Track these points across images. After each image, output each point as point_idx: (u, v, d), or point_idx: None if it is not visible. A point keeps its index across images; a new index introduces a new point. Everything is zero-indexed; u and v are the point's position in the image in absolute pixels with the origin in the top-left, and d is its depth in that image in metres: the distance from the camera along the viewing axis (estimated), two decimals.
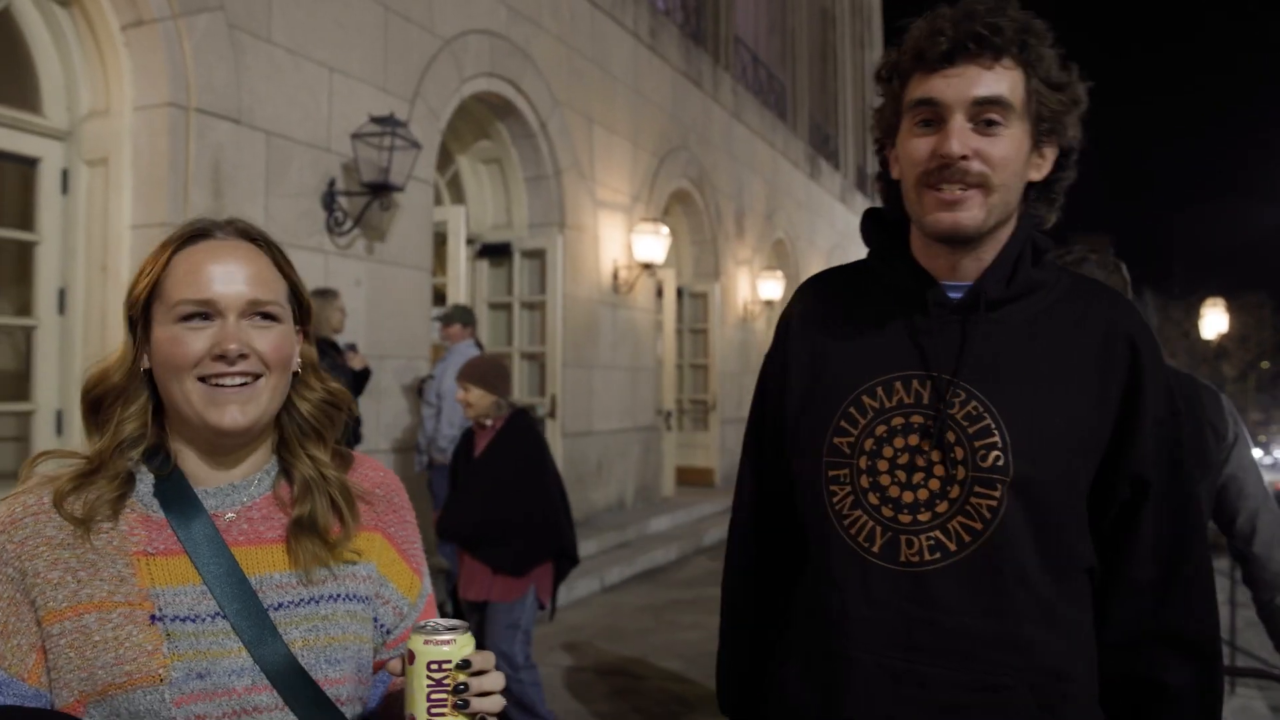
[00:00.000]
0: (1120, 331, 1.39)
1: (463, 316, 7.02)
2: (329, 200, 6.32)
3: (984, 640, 1.32)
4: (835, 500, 1.42)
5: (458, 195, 9.35)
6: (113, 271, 5.28)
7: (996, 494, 1.33)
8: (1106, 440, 1.36)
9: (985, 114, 1.33)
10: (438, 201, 8.38)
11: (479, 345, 7.04)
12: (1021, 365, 1.38)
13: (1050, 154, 1.42)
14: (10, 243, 5.27)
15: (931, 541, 1.35)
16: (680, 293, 12.96)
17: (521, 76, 8.58)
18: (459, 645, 1.17)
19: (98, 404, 1.27)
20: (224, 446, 1.28)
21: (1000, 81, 1.33)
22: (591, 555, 8.73)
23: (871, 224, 1.55)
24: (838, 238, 19.54)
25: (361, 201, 6.44)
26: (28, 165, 5.31)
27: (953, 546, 1.34)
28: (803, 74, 18.10)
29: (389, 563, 1.37)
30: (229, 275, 1.24)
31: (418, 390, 7.12)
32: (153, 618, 1.17)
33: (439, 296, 8.25)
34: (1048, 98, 1.37)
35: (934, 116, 1.36)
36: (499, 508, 4.25)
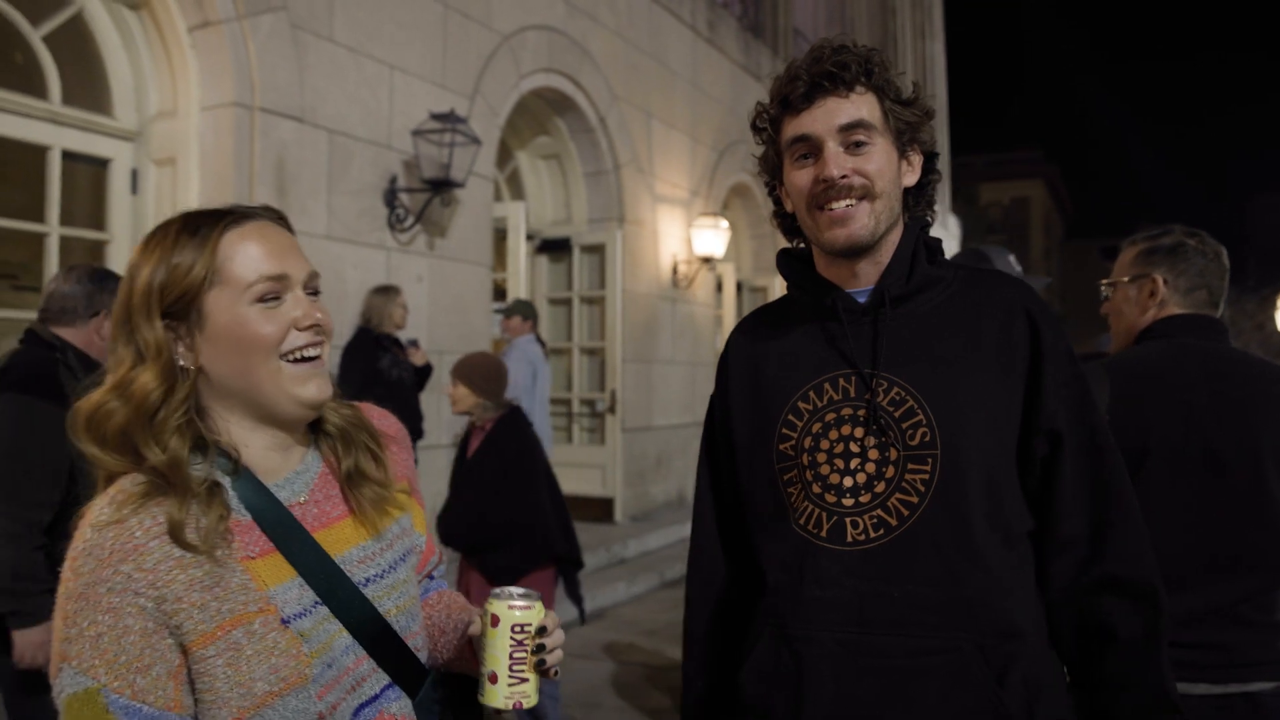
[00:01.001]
0: (1019, 309, 1.52)
1: (524, 310, 7.04)
2: (390, 197, 6.37)
3: (931, 607, 1.42)
4: (792, 500, 1.53)
5: (517, 191, 9.39)
6: None
7: (927, 468, 1.45)
8: (1020, 406, 1.49)
9: (852, 137, 1.50)
10: (497, 197, 8.42)
11: (540, 340, 7.06)
12: (934, 350, 1.51)
13: (917, 160, 1.60)
14: (82, 242, 5.39)
15: (874, 519, 1.46)
16: (740, 287, 12.88)
17: (579, 71, 8.58)
18: (537, 611, 1.33)
19: (138, 420, 1.19)
20: (300, 423, 1.31)
21: (858, 107, 1.51)
22: (651, 550, 8.72)
23: (784, 260, 1.71)
24: None
25: (422, 198, 6.48)
26: (99, 166, 5.44)
27: (894, 522, 1.45)
28: None
29: (415, 508, 1.47)
30: (285, 250, 1.26)
31: None
32: (283, 620, 1.19)
33: (499, 292, 8.29)
34: (901, 113, 1.55)
35: (809, 150, 1.53)
36: (488, 513, 4.11)
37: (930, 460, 1.45)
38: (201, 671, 1.15)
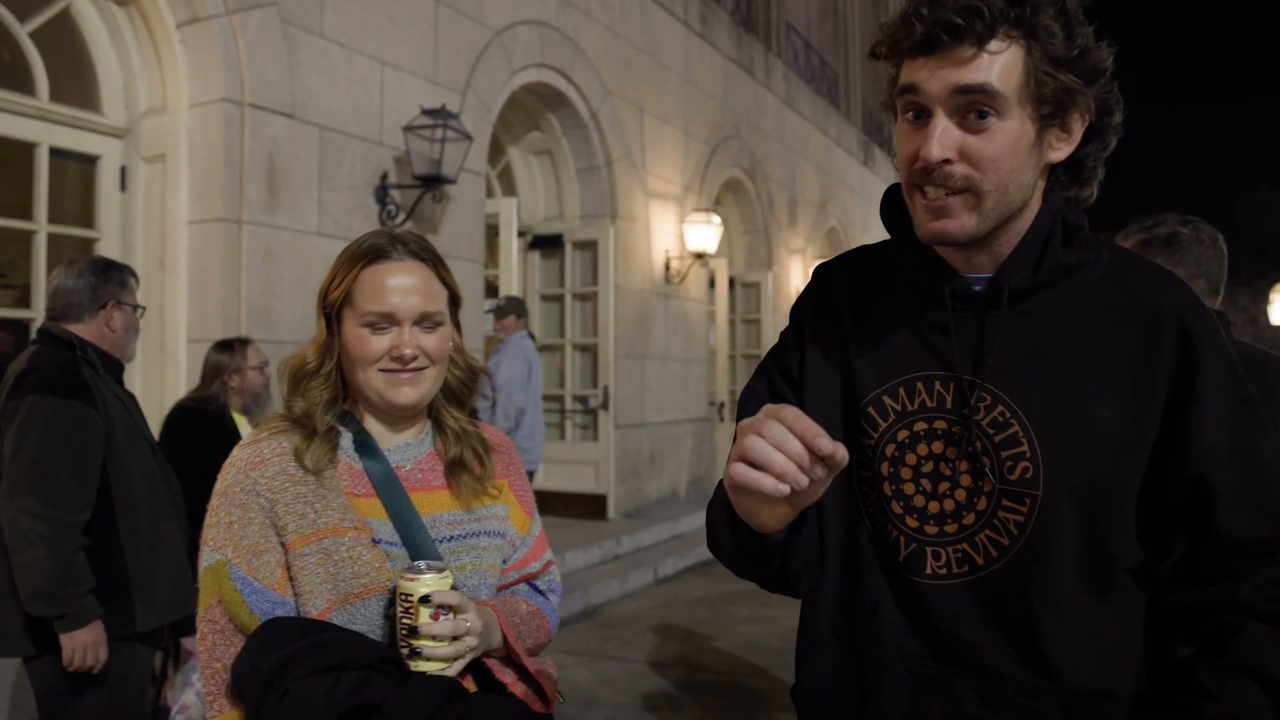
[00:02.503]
0: (1168, 314, 1.22)
1: (516, 308, 7.02)
2: (381, 193, 6.34)
3: (1011, 659, 1.23)
4: (866, 506, 1.34)
5: (509, 187, 9.36)
6: (170, 266, 5.34)
7: (1024, 509, 1.22)
8: (1154, 441, 1.20)
9: (973, 105, 1.18)
10: (489, 193, 8.39)
11: (532, 337, 7.04)
12: (1052, 362, 1.24)
13: (1077, 128, 1.25)
14: (72, 239, 5.35)
15: (959, 554, 1.26)
16: (733, 283, 12.87)
17: (571, 67, 8.55)
18: (421, 583, 1.42)
19: (297, 379, 1.60)
20: (397, 417, 1.63)
21: (988, 67, 1.16)
22: (645, 547, 8.71)
23: (891, 210, 1.38)
24: None
25: (414, 194, 6.46)
26: (88, 163, 5.40)
27: (980, 560, 1.25)
28: (855, 60, 17.87)
29: (512, 505, 1.74)
30: (405, 290, 1.56)
31: None
32: (374, 540, 1.51)
33: (491, 288, 8.27)
34: (1052, 76, 1.18)
35: (919, 108, 1.22)
36: None
37: (1029, 501, 1.22)
38: (299, 566, 1.48)
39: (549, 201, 9.52)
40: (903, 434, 1.30)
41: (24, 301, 5.23)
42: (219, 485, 1.54)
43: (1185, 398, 1.19)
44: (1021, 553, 1.22)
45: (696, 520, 9.91)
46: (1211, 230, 2.35)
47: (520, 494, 1.77)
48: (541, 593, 1.80)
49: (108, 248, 5.33)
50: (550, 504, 8.98)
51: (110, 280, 2.98)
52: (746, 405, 1.48)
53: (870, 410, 1.33)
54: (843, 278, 1.45)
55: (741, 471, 1.05)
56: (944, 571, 1.27)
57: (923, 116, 1.22)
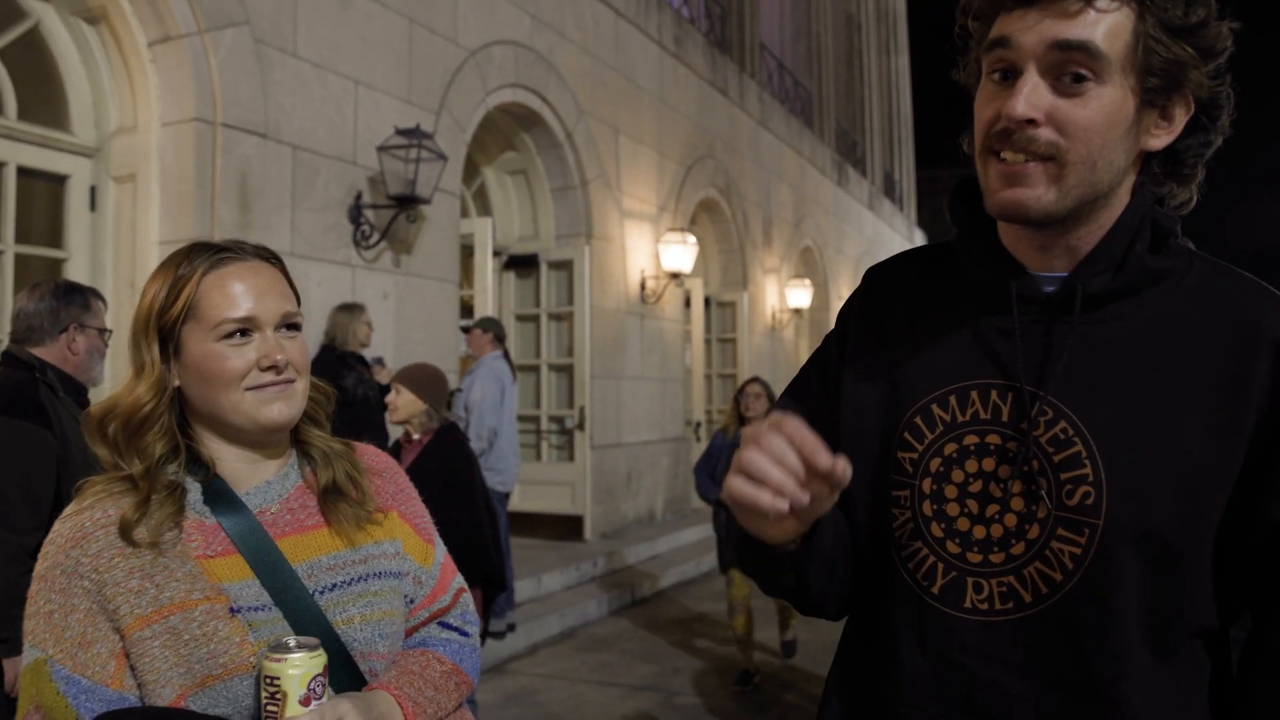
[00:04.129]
0: (1266, 336, 1.07)
1: (491, 328, 6.98)
2: (355, 213, 6.30)
3: (1055, 712, 1.09)
4: (895, 525, 1.19)
5: (484, 207, 9.34)
6: (141, 287, 5.27)
7: (1082, 540, 1.07)
8: (1235, 477, 1.05)
9: (1069, 65, 1.03)
10: (464, 213, 8.37)
11: (507, 357, 7.00)
12: (1127, 378, 1.09)
13: (1180, 114, 1.10)
14: (39, 260, 5.27)
15: (1004, 588, 1.11)
16: (708, 302, 12.89)
17: (546, 87, 8.56)
18: (288, 664, 1.22)
19: (131, 430, 1.33)
20: (269, 442, 1.40)
21: (1095, 24, 1.02)
22: (622, 568, 8.66)
23: (957, 198, 1.24)
24: (866, 244, 19.41)
25: (388, 214, 6.42)
26: (57, 183, 5.32)
27: (1028, 597, 1.10)
28: (829, 81, 18.01)
29: (406, 537, 1.51)
30: (261, 291, 1.36)
31: (446, 403, 7.08)
32: (232, 610, 1.28)
33: (466, 309, 8.23)
34: (1164, 45, 1.04)
35: (1006, 65, 1.07)
36: None
37: (1088, 531, 1.07)
38: (140, 653, 1.24)
39: (524, 221, 9.51)
40: (950, 448, 1.16)
41: None
42: (38, 568, 1.32)
43: (1276, 434, 1.05)
44: (1076, 591, 1.08)
45: (673, 541, 9.88)
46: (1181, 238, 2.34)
47: (415, 520, 1.54)
48: (456, 629, 1.57)
49: (77, 268, 5.26)
50: (526, 525, 8.93)
51: (72, 303, 2.96)
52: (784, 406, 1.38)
53: (917, 420, 1.19)
54: (894, 279, 1.32)
55: (738, 487, 0.99)
56: (985, 606, 1.12)
57: (1010, 77, 1.07)
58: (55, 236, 5.33)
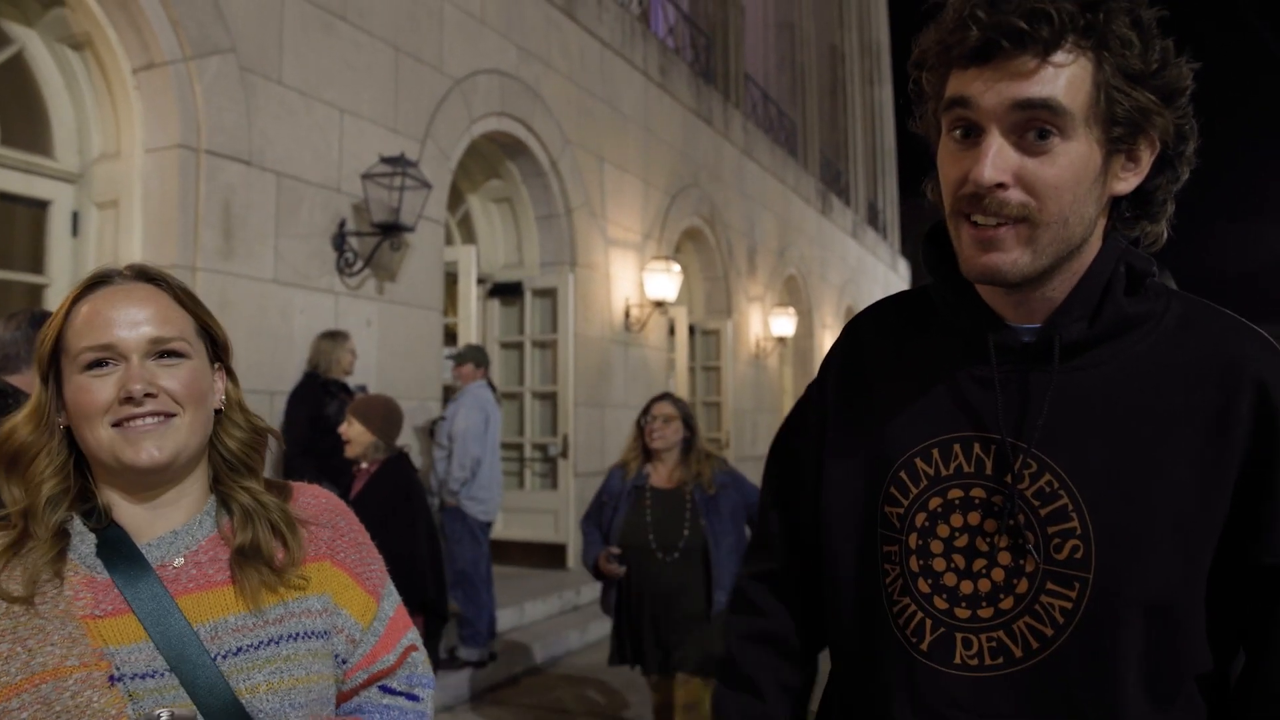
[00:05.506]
0: (1247, 375, 1.05)
1: (475, 356, 6.97)
2: (339, 241, 6.30)
3: None
4: (888, 581, 1.18)
5: (469, 235, 9.34)
6: None
7: (1073, 594, 1.06)
8: (1223, 519, 1.04)
9: (1033, 123, 1.02)
10: (448, 241, 8.37)
11: (491, 385, 6.99)
12: (1111, 427, 1.08)
13: (1146, 157, 1.09)
14: (20, 285, 5.25)
15: (994, 644, 1.09)
16: (692, 330, 12.90)
17: (531, 116, 8.59)
18: None
19: (7, 462, 1.23)
20: (147, 485, 1.25)
21: (1053, 80, 1.01)
22: None
23: (931, 252, 1.22)
24: (850, 273, 19.49)
25: (372, 242, 6.41)
26: (38, 208, 5.31)
27: (1018, 652, 1.08)
28: (813, 111, 18.14)
29: (341, 589, 1.34)
30: (129, 318, 1.23)
31: (429, 432, 7.06)
32: (111, 678, 1.14)
33: (450, 336, 8.21)
34: (1125, 94, 1.03)
35: (968, 124, 1.06)
36: None
37: (1078, 585, 1.06)
38: None
39: (508, 249, 9.51)
40: (935, 502, 1.15)
41: None
42: None
43: (1263, 474, 1.03)
44: (1068, 646, 1.06)
45: None
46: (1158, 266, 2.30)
47: (355, 570, 1.37)
48: (401, 693, 1.41)
49: (58, 294, 5.23)
50: (509, 553, 8.88)
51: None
52: (770, 468, 1.43)
53: (902, 475, 1.18)
54: (874, 329, 1.31)
55: None
56: (975, 662, 1.10)
57: (973, 134, 1.07)
58: (36, 262, 5.31)
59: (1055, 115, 1.02)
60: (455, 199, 8.83)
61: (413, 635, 1.45)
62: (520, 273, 9.38)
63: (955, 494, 1.14)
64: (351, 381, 6.00)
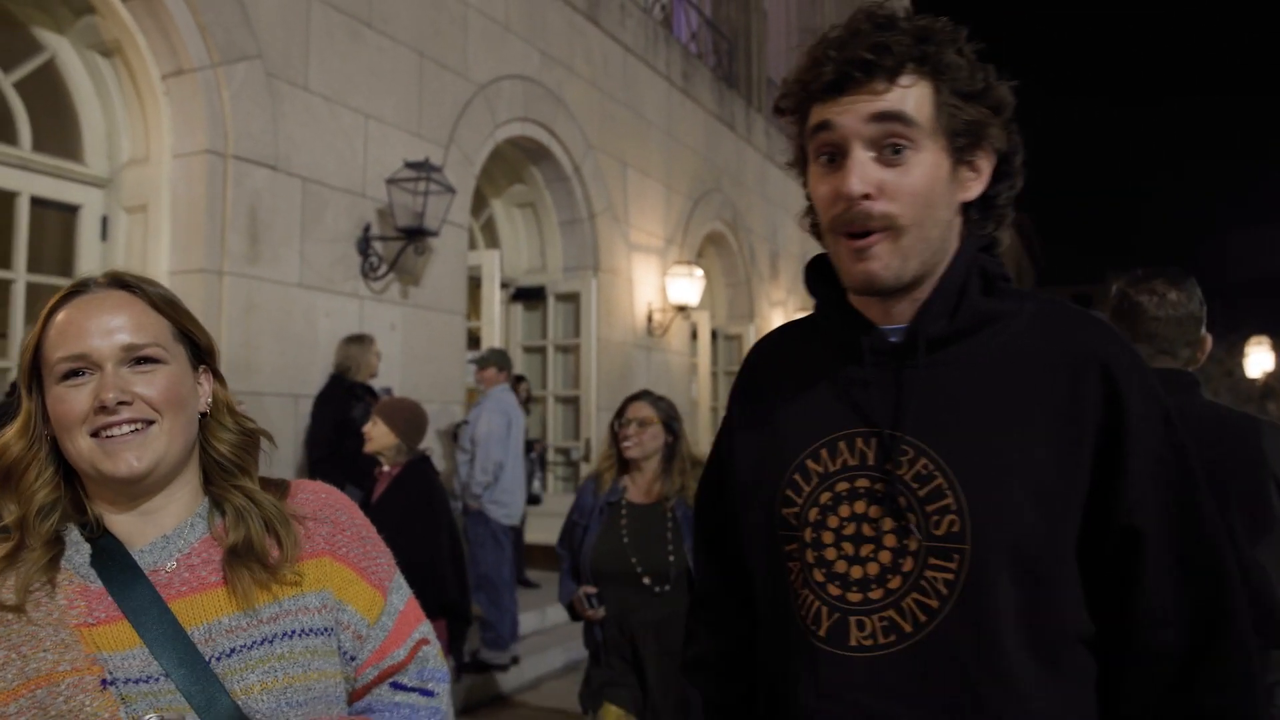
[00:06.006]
0: (1092, 358, 1.19)
1: (498, 360, 7.00)
2: (364, 245, 6.34)
3: None
4: (791, 578, 1.27)
5: (492, 239, 9.38)
6: None
7: (953, 565, 1.15)
8: (1086, 490, 1.16)
9: (889, 136, 1.17)
10: (472, 246, 8.40)
11: (514, 390, 7.01)
12: (976, 412, 1.20)
13: (985, 166, 1.25)
14: (50, 288, 5.30)
15: (885, 623, 1.18)
16: (715, 335, 12.89)
17: (555, 121, 8.62)
18: None
19: (6, 476, 1.23)
20: (132, 495, 1.25)
21: (903, 98, 1.17)
22: None
23: (814, 274, 1.38)
24: None
25: (396, 246, 6.45)
26: (69, 212, 5.38)
27: (908, 628, 1.16)
28: None
29: (344, 584, 1.32)
30: (101, 326, 1.22)
31: (452, 435, 7.08)
32: (104, 682, 1.14)
33: (473, 340, 8.24)
34: (962, 110, 1.19)
35: (833, 148, 1.21)
36: None
37: (957, 557, 1.15)
38: None
39: (531, 254, 9.55)
40: (825, 496, 1.25)
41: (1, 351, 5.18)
42: None
43: (1113, 444, 1.16)
44: (953, 616, 1.15)
45: None
46: (1168, 285, 2.23)
47: (359, 564, 1.35)
48: (414, 688, 1.38)
49: None
50: (532, 557, 8.89)
51: None
52: (699, 501, 1.55)
53: (795, 476, 1.28)
54: (770, 351, 1.46)
55: None
56: (870, 642, 1.18)
57: (837, 158, 1.21)
58: (66, 266, 5.38)
59: (907, 126, 1.17)
60: (479, 204, 8.87)
61: (425, 629, 1.41)
62: (543, 277, 9.41)
63: (842, 487, 1.24)
64: (376, 384, 6.04)
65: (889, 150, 1.17)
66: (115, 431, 1.21)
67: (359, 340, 5.91)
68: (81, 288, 1.27)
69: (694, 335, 11.85)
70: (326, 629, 1.28)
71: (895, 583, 1.18)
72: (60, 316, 1.24)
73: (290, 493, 1.37)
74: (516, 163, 8.94)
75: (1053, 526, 1.15)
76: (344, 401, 5.63)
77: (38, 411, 1.24)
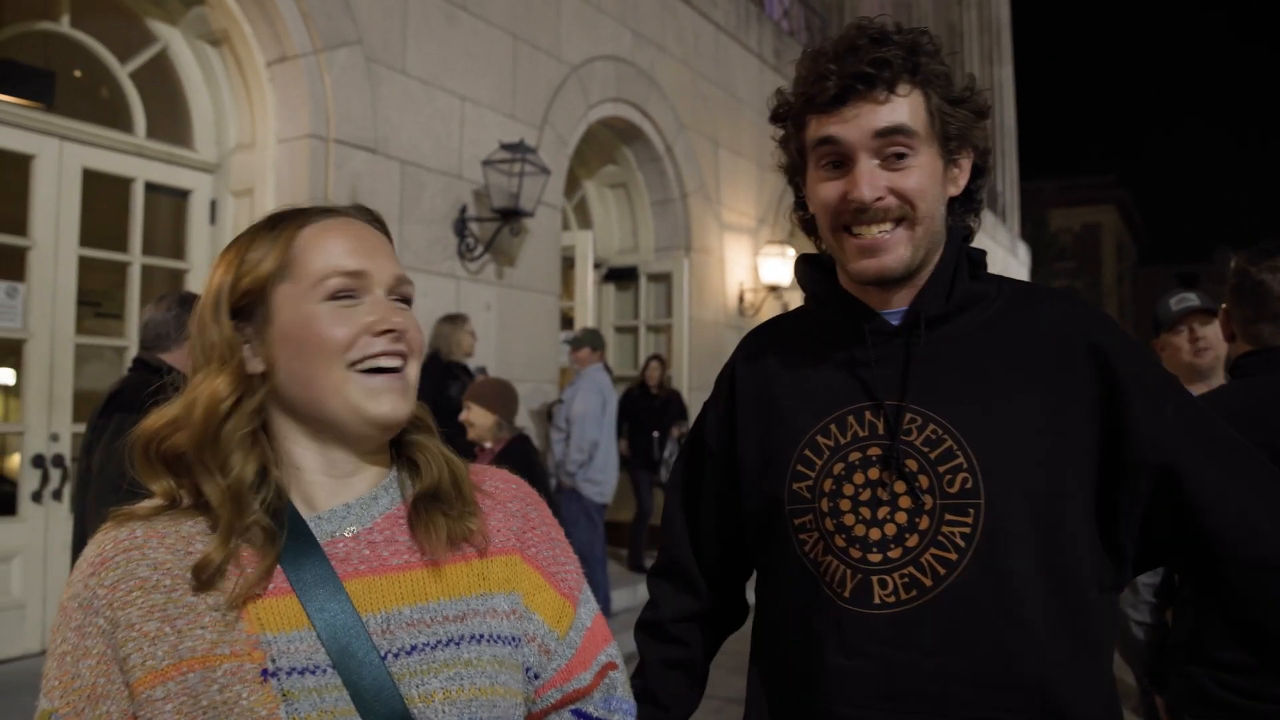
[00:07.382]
0: (1076, 336, 1.29)
1: (592, 340, 7.06)
2: (460, 226, 6.44)
3: (971, 682, 1.20)
4: (807, 548, 1.33)
5: (585, 220, 9.44)
6: None
7: (969, 519, 1.23)
8: (1098, 442, 1.25)
9: (891, 147, 1.27)
10: (565, 226, 8.48)
11: (608, 369, 7.07)
12: (974, 380, 1.29)
13: (966, 164, 1.38)
14: (163, 270, 5.52)
15: (906, 579, 1.24)
16: None
17: (647, 101, 8.63)
18: None
19: (203, 438, 1.04)
20: (368, 445, 1.10)
21: (899, 110, 1.27)
22: None
23: (804, 269, 1.50)
24: None
25: (492, 227, 6.55)
26: (180, 197, 5.58)
27: (928, 581, 1.23)
28: None
29: (534, 590, 1.15)
30: (372, 249, 1.10)
31: (547, 414, 7.17)
32: (265, 673, 0.97)
33: (566, 320, 8.32)
34: (952, 115, 1.31)
35: (838, 157, 1.30)
36: None
37: (972, 511, 1.22)
38: (148, 716, 0.96)
39: (624, 234, 9.59)
40: (838, 467, 1.32)
41: (119, 330, 5.41)
42: (61, 597, 1.04)
43: (1112, 401, 1.25)
44: (971, 567, 1.22)
45: None
46: None
47: (548, 568, 1.18)
48: (598, 719, 1.18)
49: (197, 279, 5.49)
50: (622, 536, 8.97)
51: (194, 312, 3.12)
52: (675, 477, 1.63)
53: (806, 452, 1.35)
54: (767, 338, 1.53)
55: None
56: (892, 600, 1.25)
57: (843, 165, 1.30)
58: (178, 249, 5.59)
59: (909, 136, 1.27)
60: (572, 184, 8.94)
61: (612, 650, 1.23)
62: (635, 257, 9.44)
63: (855, 456, 1.31)
64: (471, 363, 6.14)
65: (892, 158, 1.28)
66: (385, 363, 1.06)
67: (452, 320, 6.02)
68: (322, 210, 1.12)
69: None
70: (515, 638, 1.11)
71: (913, 540, 1.25)
72: (318, 234, 1.08)
73: (476, 475, 1.21)
74: (609, 143, 8.98)
75: (1059, 474, 1.24)
76: (441, 380, 5.75)
77: (248, 347, 1.07)
